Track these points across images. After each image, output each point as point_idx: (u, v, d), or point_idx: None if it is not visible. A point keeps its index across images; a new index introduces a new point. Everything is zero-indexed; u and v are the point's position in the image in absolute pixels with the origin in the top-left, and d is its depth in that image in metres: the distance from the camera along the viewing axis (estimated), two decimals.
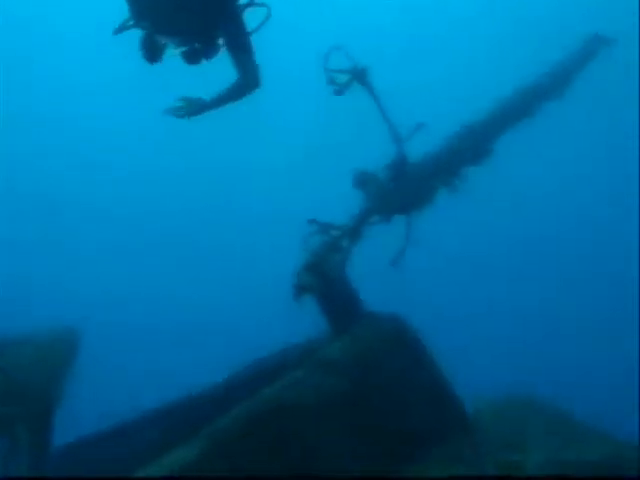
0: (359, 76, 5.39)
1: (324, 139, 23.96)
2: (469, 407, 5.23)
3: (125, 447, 5.35)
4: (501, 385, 6.31)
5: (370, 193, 5.80)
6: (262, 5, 3.83)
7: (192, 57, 3.86)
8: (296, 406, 4.28)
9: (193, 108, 4.06)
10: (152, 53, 3.80)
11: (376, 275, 6.49)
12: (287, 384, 4.43)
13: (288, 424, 4.22)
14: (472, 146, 6.11)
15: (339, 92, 5.39)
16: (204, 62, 3.94)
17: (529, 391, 5.67)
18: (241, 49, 3.92)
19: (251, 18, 3.96)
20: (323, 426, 4.31)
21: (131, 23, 3.81)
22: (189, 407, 5.60)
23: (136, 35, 3.90)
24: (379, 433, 4.58)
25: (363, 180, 5.85)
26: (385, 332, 5.04)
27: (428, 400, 4.95)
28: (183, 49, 3.83)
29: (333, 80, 5.39)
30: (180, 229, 24.46)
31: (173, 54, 3.94)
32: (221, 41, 3.85)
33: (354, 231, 5.63)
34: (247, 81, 4.01)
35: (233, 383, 5.50)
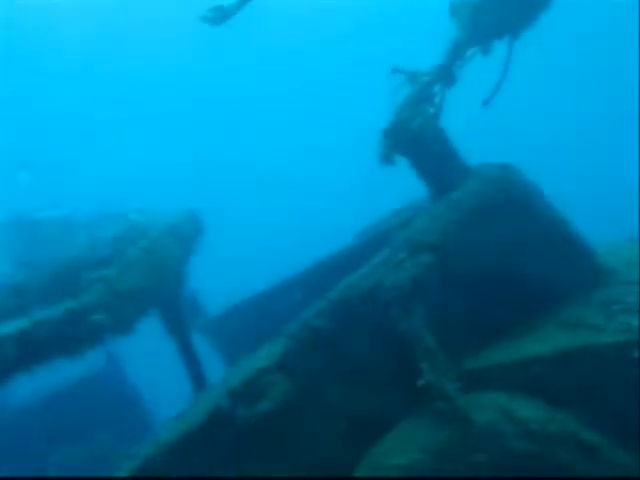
0: None
1: None
2: (606, 257, 4.46)
3: (274, 308, 5.89)
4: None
5: (463, 18, 4.77)
6: None
7: None
8: (384, 288, 4.05)
9: (224, 12, 4.63)
10: None
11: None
12: (373, 265, 4.20)
13: (375, 306, 4.04)
14: None
15: None
16: None
17: None
18: None
19: None
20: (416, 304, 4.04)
21: None
22: (318, 272, 5.88)
23: None
24: (489, 304, 4.18)
25: (456, 6, 4.81)
26: (490, 187, 4.36)
27: (549, 256, 4.33)
28: None
29: None
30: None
31: None
32: None
33: (447, 72, 4.77)
34: None
35: (345, 252, 5.51)
